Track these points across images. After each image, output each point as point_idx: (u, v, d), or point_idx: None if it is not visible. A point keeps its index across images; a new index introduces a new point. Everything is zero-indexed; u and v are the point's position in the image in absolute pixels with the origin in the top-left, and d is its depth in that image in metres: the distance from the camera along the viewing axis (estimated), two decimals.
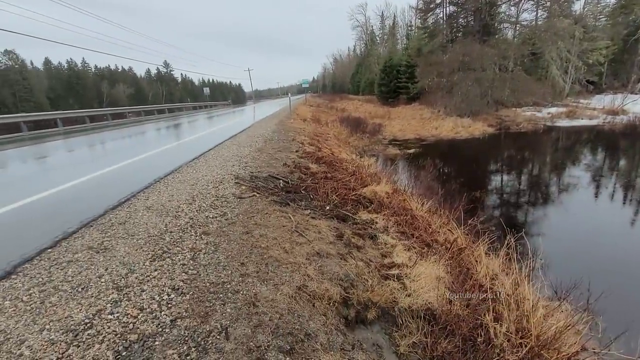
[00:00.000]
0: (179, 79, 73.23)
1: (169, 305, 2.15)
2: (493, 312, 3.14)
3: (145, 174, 5.47)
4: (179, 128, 15.54)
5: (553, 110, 19.78)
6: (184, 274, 2.52)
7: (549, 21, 23.60)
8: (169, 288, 2.33)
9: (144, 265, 2.62)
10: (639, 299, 4.37)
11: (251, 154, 6.93)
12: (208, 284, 2.43)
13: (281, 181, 5.00)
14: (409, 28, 41.67)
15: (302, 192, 4.69)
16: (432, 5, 28.43)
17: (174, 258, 2.74)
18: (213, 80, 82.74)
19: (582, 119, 17.86)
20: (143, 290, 2.29)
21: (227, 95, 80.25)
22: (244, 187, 4.58)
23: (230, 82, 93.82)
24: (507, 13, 25.41)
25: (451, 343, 2.75)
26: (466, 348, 2.77)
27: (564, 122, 17.69)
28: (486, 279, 3.62)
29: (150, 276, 2.46)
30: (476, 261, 4.04)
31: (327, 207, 4.37)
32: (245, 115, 22.07)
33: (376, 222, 4.30)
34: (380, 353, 2.51)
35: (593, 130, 15.86)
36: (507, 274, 3.95)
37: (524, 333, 3.02)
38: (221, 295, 2.31)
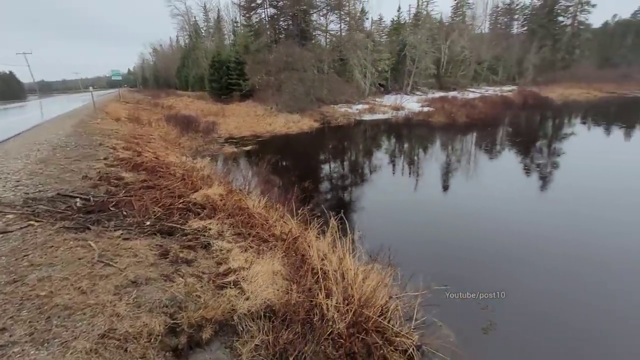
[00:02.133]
0: None
1: None
2: (325, 289, 3.46)
3: None
4: None
5: (360, 107, 24.46)
6: None
7: (349, 33, 28.68)
8: None
9: None
10: (424, 250, 5.88)
11: (28, 167, 5.10)
12: None
13: (78, 200, 3.89)
14: (235, 24, 41.51)
15: (111, 209, 3.80)
16: (253, 5, 29.21)
17: None
18: None
19: (378, 113, 22.92)
20: None
21: None
22: (11, 217, 3.28)
23: None
24: (319, 22, 29.22)
25: (291, 332, 2.83)
26: (305, 331, 2.92)
27: (367, 117, 22.17)
28: (318, 260, 3.99)
29: None
30: (309, 246, 4.40)
31: (148, 222, 3.71)
32: (23, 115, 16.39)
33: (209, 229, 3.99)
34: None
35: (386, 123, 20.56)
36: (334, 252, 4.48)
37: (349, 300, 3.48)
38: None
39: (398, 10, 42.91)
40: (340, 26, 30.01)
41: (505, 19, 53.79)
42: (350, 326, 3.15)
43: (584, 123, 18.46)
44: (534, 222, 6.53)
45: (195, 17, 50.08)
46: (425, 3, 38.05)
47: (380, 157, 12.51)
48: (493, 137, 15.55)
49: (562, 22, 46.32)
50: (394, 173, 10.57)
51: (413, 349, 3.08)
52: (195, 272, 3.09)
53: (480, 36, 42.59)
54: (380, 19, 38.66)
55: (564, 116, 21.12)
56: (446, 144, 14.49)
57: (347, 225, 4.75)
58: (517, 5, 53.25)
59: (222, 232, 4.01)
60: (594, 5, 43.47)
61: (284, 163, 12.21)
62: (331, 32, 27.82)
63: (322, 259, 4.12)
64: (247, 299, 2.96)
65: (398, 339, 3.13)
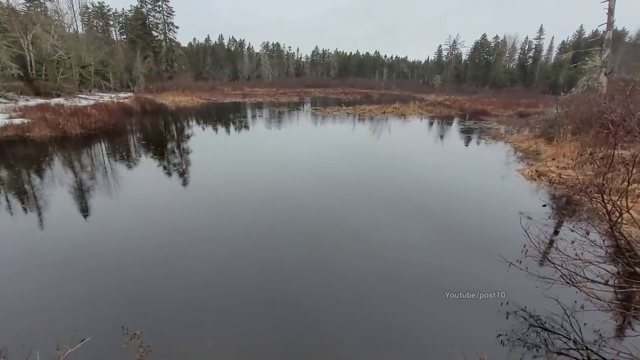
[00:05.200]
0: None
1: None
2: None
3: None
4: None
5: None
6: None
7: None
8: None
9: None
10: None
11: None
12: None
13: None
14: None
15: None
16: None
17: None
18: None
19: None
20: None
21: None
22: None
23: None
24: None
25: None
26: None
27: None
28: None
29: None
30: None
31: None
32: None
33: None
34: None
35: None
36: None
37: None
38: None
39: None
40: None
41: (101, 23, 51.39)
42: None
43: (198, 123, 21.97)
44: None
45: None
46: None
47: None
48: (125, 145, 14.42)
49: (157, 36, 51.60)
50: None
51: None
52: None
53: (76, 36, 37.68)
54: None
55: (181, 119, 23.96)
56: (69, 162, 11.41)
57: None
58: (109, 11, 52.37)
59: None
60: (177, 27, 51.95)
61: None
62: None
63: None
64: None
65: None
